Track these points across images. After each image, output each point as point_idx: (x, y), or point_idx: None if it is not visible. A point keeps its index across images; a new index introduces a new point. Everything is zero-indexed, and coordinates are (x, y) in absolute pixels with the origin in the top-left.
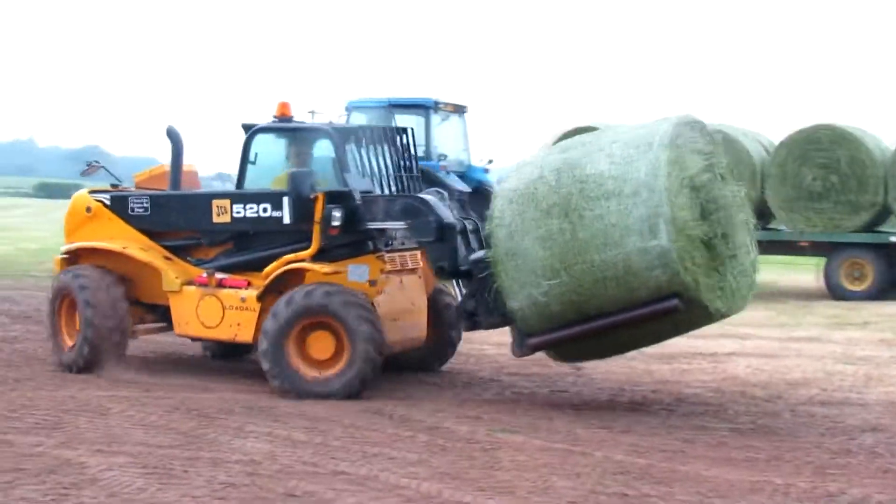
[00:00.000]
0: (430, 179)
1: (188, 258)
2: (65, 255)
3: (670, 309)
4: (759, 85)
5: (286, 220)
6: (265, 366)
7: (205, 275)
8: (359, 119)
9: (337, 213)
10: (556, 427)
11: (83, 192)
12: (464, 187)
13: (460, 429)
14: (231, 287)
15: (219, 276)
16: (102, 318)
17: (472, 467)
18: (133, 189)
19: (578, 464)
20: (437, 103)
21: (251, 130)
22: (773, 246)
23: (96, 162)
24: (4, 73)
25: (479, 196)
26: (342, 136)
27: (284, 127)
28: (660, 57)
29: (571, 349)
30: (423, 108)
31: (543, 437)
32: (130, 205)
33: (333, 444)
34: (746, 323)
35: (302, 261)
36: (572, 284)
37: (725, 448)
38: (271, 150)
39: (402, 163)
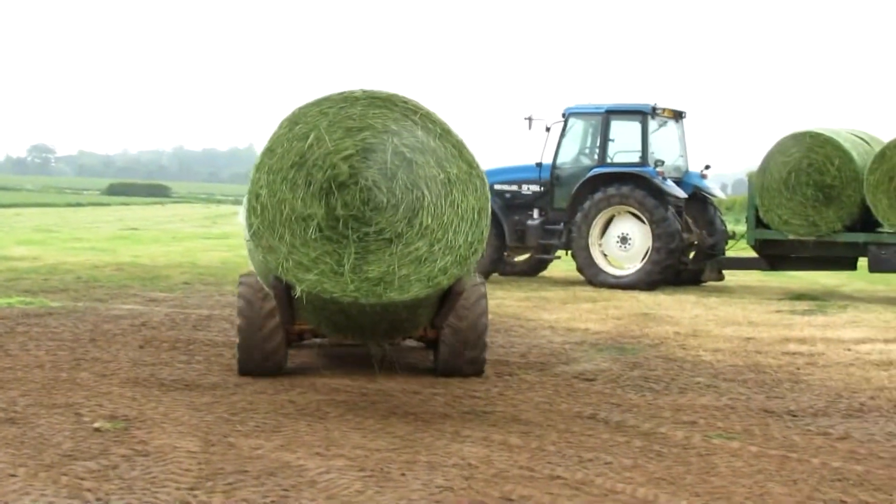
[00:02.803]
0: (647, 186)
1: None
2: None
3: (279, 287)
4: None
5: None
6: None
7: None
8: (575, 125)
9: None
10: (772, 433)
11: None
12: (680, 193)
13: (676, 434)
14: None
15: None
16: None
17: (687, 473)
18: None
19: (795, 470)
20: (654, 109)
21: None
22: None
23: None
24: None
25: (695, 202)
26: None
27: None
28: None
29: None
30: (640, 114)
31: (759, 443)
32: None
33: (549, 449)
34: None
35: None
36: None
37: None
38: None
39: None
